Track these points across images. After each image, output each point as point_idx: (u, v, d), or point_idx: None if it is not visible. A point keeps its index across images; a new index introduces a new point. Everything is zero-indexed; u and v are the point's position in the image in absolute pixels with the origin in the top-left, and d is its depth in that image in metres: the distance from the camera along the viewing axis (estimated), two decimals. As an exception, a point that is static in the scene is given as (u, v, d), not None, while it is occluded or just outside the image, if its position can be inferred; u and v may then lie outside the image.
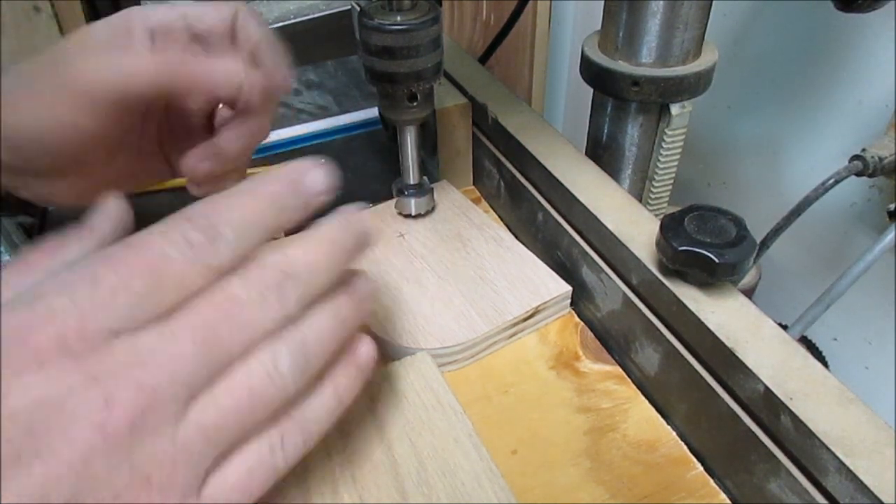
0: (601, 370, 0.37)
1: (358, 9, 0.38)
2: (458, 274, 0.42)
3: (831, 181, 0.51)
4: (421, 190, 0.46)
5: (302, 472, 0.29)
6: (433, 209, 0.48)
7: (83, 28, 0.31)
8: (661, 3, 0.41)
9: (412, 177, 0.45)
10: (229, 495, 0.21)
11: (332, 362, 0.25)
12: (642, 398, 0.36)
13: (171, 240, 0.21)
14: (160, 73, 0.30)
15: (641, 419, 0.35)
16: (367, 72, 0.39)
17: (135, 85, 0.30)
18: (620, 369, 0.37)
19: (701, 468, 0.32)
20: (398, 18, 0.37)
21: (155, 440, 0.20)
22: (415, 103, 0.41)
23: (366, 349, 0.27)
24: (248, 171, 0.46)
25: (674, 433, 0.34)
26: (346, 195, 0.53)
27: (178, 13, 0.32)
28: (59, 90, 0.29)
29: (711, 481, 0.32)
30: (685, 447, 0.33)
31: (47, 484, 0.18)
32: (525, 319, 0.39)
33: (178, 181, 0.38)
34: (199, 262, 0.22)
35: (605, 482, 0.32)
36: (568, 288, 0.40)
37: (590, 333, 0.40)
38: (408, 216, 0.47)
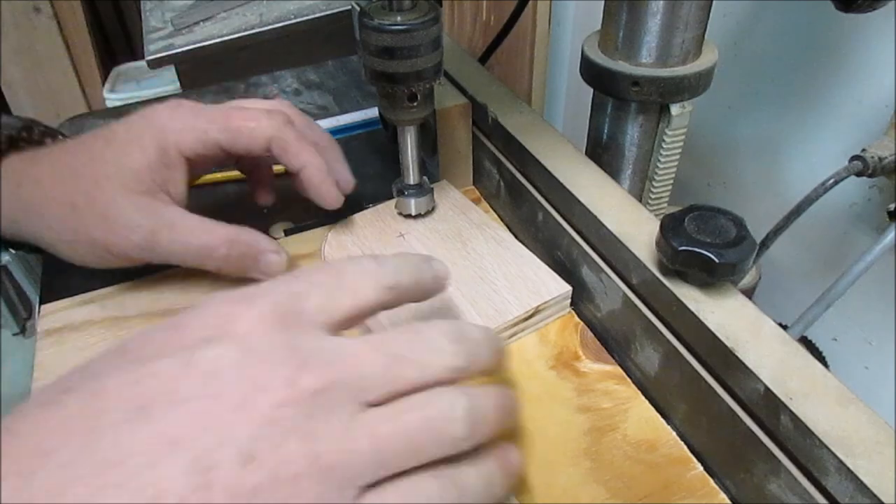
0: (601, 370, 0.37)
1: (358, 9, 0.38)
2: (458, 274, 0.42)
3: (831, 181, 0.51)
4: (421, 190, 0.46)
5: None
6: (433, 209, 0.48)
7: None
8: (661, 3, 0.41)
9: (412, 177, 0.45)
10: None
11: (490, 459, 0.26)
12: (642, 398, 0.36)
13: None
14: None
15: (641, 419, 0.35)
16: (367, 72, 0.39)
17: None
18: (620, 369, 0.37)
19: (701, 468, 0.32)
20: (398, 18, 0.37)
21: (330, 419, 0.22)
22: (415, 103, 0.41)
23: (515, 455, 0.27)
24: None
25: (674, 433, 0.34)
26: (345, 195, 0.53)
27: (210, 141, 0.38)
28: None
29: (711, 481, 0.32)
30: (685, 447, 0.33)
31: (238, 426, 0.21)
32: (525, 319, 0.39)
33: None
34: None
35: (605, 482, 0.32)
36: (568, 288, 0.40)
37: (590, 333, 0.40)
38: (408, 216, 0.47)
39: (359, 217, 0.48)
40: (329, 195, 0.41)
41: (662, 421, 0.35)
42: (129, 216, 0.37)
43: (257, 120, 0.39)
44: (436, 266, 0.30)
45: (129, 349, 0.23)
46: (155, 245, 0.38)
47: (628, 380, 0.37)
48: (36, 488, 0.19)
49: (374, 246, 0.46)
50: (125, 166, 0.37)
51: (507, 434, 0.30)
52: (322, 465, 0.21)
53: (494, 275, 0.42)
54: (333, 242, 0.47)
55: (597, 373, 0.37)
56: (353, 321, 0.26)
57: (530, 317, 0.39)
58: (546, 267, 0.42)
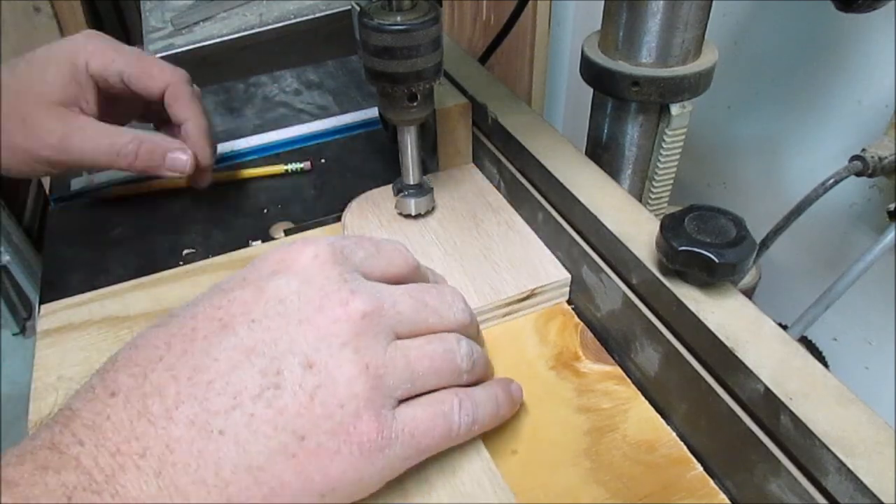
0: (601, 370, 0.37)
1: (358, 9, 0.38)
2: (464, 251, 0.43)
3: (831, 181, 0.51)
4: (421, 190, 0.46)
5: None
6: (434, 209, 0.48)
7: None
8: (661, 3, 0.41)
9: (412, 177, 0.45)
10: (415, 427, 0.27)
11: (494, 383, 0.33)
12: (642, 398, 0.36)
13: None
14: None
15: (641, 419, 0.35)
16: (367, 72, 0.39)
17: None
18: (620, 370, 0.37)
19: (700, 468, 0.32)
20: (398, 18, 0.37)
21: (374, 338, 0.27)
22: (415, 103, 0.41)
23: (517, 386, 0.34)
24: (260, 170, 0.53)
25: (673, 433, 0.34)
26: (345, 195, 0.54)
27: (116, 70, 0.44)
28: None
29: (711, 481, 0.32)
30: (685, 447, 0.33)
31: (300, 338, 0.26)
32: (520, 300, 0.40)
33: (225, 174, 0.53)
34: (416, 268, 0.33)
35: (604, 482, 0.32)
36: (567, 275, 0.41)
37: (590, 334, 0.40)
38: (407, 216, 0.47)
39: (378, 192, 0.49)
40: (204, 152, 0.47)
41: (662, 421, 0.35)
42: (43, 122, 0.42)
43: (160, 67, 0.45)
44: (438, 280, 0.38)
45: (217, 286, 0.29)
46: (69, 147, 0.42)
47: (628, 380, 0.37)
48: (149, 383, 0.25)
49: (392, 218, 0.47)
50: (42, 81, 0.42)
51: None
52: (370, 373, 0.26)
53: (498, 256, 0.43)
54: (355, 211, 0.48)
55: (597, 373, 0.37)
56: (384, 281, 0.31)
57: (525, 299, 0.40)
58: (550, 254, 0.43)
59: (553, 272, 0.41)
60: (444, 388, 0.30)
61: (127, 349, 0.27)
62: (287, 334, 0.26)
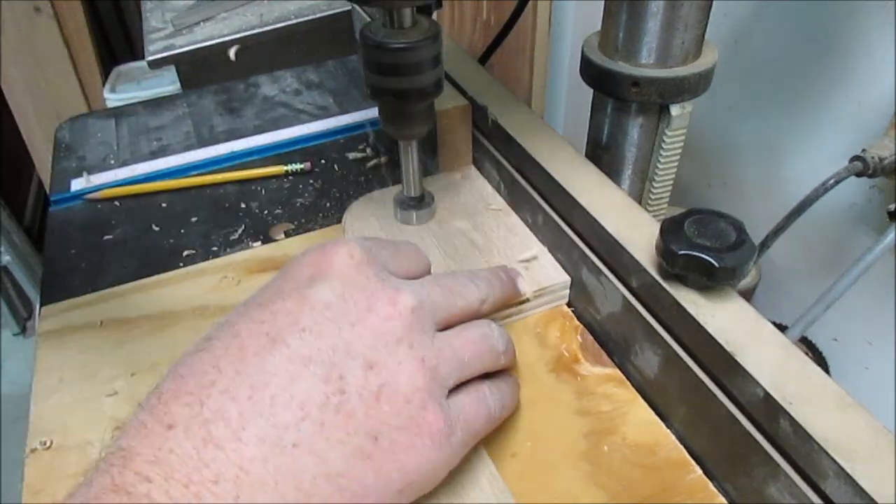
0: (601, 373, 0.37)
1: (358, 10, 0.38)
2: (463, 254, 0.43)
3: (831, 181, 0.51)
4: (422, 203, 0.46)
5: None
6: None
7: None
8: (661, 3, 0.41)
9: (414, 189, 0.45)
10: (467, 413, 0.29)
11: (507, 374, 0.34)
12: (641, 401, 0.36)
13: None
14: None
15: (641, 422, 0.35)
16: (369, 88, 0.39)
17: None
18: (620, 372, 0.37)
19: (700, 471, 0.32)
20: (399, 37, 0.37)
21: (423, 332, 0.28)
22: (416, 119, 0.41)
23: (516, 378, 0.35)
24: (260, 171, 0.52)
25: (673, 436, 0.34)
26: (346, 195, 0.54)
27: None
28: None
29: (710, 484, 0.32)
30: (684, 450, 0.33)
31: (357, 340, 0.27)
32: (520, 303, 0.40)
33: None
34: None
35: (604, 485, 0.32)
36: (566, 278, 0.41)
37: (590, 336, 0.40)
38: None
39: (378, 193, 0.50)
40: None
41: (662, 424, 0.35)
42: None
43: None
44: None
45: (251, 300, 0.29)
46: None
47: (628, 383, 0.37)
48: (207, 409, 0.24)
49: (392, 219, 0.47)
50: None
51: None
52: (426, 365, 0.27)
53: (499, 259, 0.43)
54: (355, 212, 0.48)
55: (596, 376, 0.37)
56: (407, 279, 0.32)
57: (524, 301, 0.40)
58: (550, 256, 0.43)
59: (553, 274, 0.41)
60: (486, 371, 0.31)
61: (171, 381, 0.26)
62: (341, 339, 0.26)
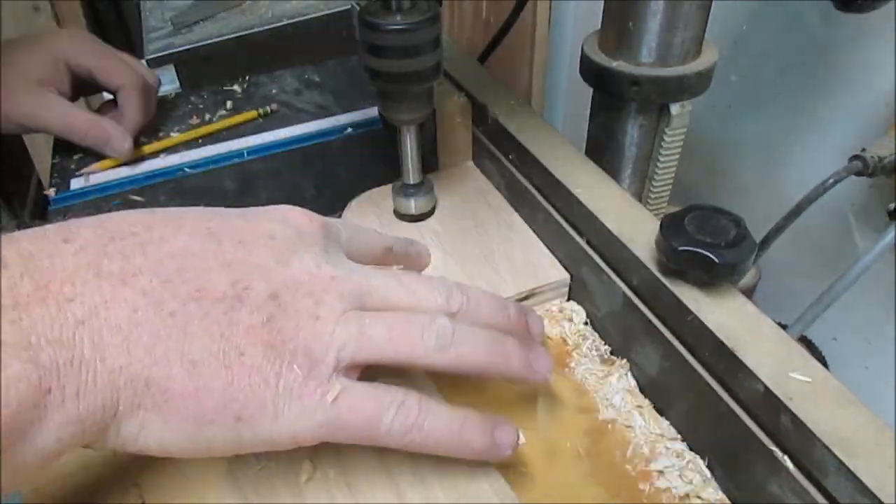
0: (602, 370, 0.37)
1: (358, 9, 0.38)
2: (464, 252, 0.43)
3: (831, 181, 0.51)
4: (421, 190, 0.46)
5: (296, 481, 0.29)
6: (434, 209, 0.48)
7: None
8: (661, 3, 0.41)
9: (412, 177, 0.45)
10: (345, 398, 0.26)
11: (473, 412, 0.29)
12: (642, 397, 0.36)
13: None
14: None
15: (642, 419, 0.35)
16: (367, 71, 0.39)
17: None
18: (620, 369, 0.37)
19: (702, 468, 0.32)
20: (398, 18, 0.36)
21: (336, 300, 0.28)
22: (414, 103, 0.41)
23: (508, 435, 0.29)
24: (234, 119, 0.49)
25: (674, 432, 0.34)
26: (346, 195, 0.54)
27: (86, 66, 0.56)
28: None
29: (711, 481, 0.32)
30: (685, 446, 0.33)
31: (276, 273, 0.27)
32: (519, 301, 0.40)
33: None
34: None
35: (604, 482, 0.32)
36: (566, 276, 0.41)
37: (591, 333, 0.40)
38: (408, 217, 0.47)
39: (378, 191, 0.50)
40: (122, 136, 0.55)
41: (663, 420, 0.34)
42: (17, 92, 0.52)
43: (119, 70, 0.55)
44: (418, 248, 0.38)
45: (210, 209, 0.30)
46: (36, 118, 0.53)
47: (628, 379, 0.37)
48: (114, 246, 0.25)
49: (392, 218, 0.47)
50: (28, 62, 0.53)
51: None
52: (319, 327, 0.27)
53: (498, 256, 0.43)
54: (355, 210, 0.48)
55: (597, 373, 0.37)
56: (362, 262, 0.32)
57: (524, 299, 0.40)
58: (549, 254, 0.43)
59: (552, 273, 0.41)
60: (406, 364, 0.28)
61: (97, 218, 0.26)
62: (265, 264, 0.27)
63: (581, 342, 0.39)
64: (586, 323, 0.40)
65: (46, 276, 0.23)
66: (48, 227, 0.25)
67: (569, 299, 0.42)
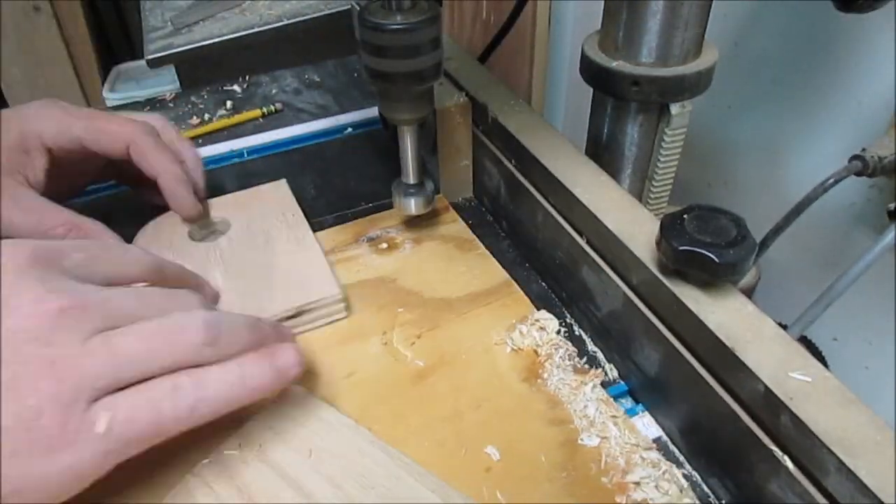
0: (575, 381, 0.37)
1: (358, 8, 0.38)
2: (244, 270, 0.42)
3: (831, 181, 0.51)
4: (421, 190, 0.46)
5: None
6: (433, 206, 0.48)
7: None
8: (661, 3, 0.41)
9: (412, 177, 0.45)
10: (113, 420, 0.26)
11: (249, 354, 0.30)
12: (616, 407, 0.35)
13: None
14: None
15: (618, 428, 0.34)
16: (367, 71, 0.39)
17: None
18: (594, 379, 0.37)
19: (679, 478, 0.32)
20: (398, 18, 0.36)
21: (70, 334, 0.26)
22: (415, 103, 0.41)
23: (287, 356, 0.31)
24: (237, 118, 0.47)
25: (650, 441, 0.34)
26: (346, 195, 0.54)
27: (72, 136, 0.41)
28: None
29: (689, 491, 0.32)
30: (661, 456, 0.33)
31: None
32: (290, 318, 0.39)
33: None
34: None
35: (581, 496, 0.31)
36: (336, 291, 0.40)
37: (567, 344, 0.39)
38: (408, 216, 0.47)
39: (170, 215, 0.46)
40: (184, 202, 0.44)
41: (638, 430, 0.34)
42: None
43: (119, 124, 0.42)
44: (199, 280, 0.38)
45: None
46: None
47: (601, 389, 0.36)
48: None
49: (185, 241, 0.45)
50: None
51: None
52: (57, 367, 0.25)
53: (278, 273, 0.42)
54: (150, 232, 0.46)
55: (570, 384, 0.37)
56: (108, 285, 0.30)
57: (293, 316, 0.39)
58: (330, 271, 0.42)
59: (324, 289, 0.40)
60: (172, 367, 0.28)
61: None
62: None
63: (553, 352, 0.38)
64: (558, 332, 0.40)
65: None
66: None
67: (549, 306, 0.42)
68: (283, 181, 0.51)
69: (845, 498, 0.24)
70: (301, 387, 0.34)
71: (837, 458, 0.24)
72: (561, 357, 0.38)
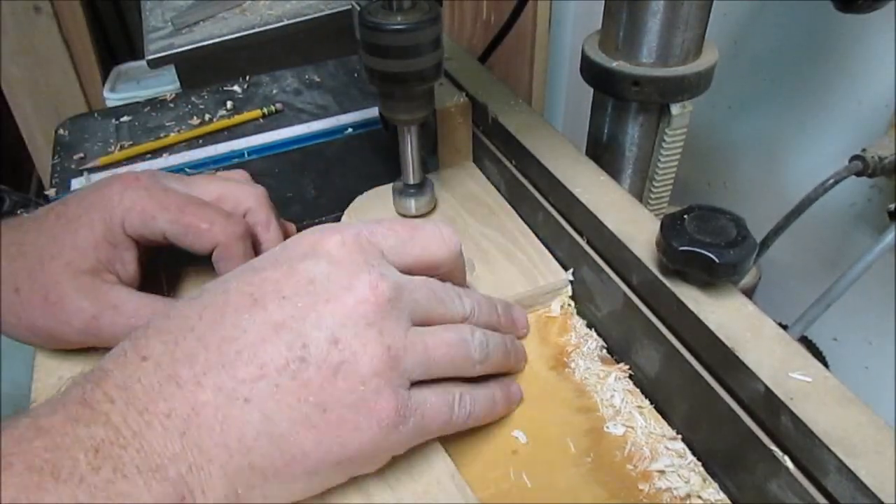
0: (602, 370, 0.37)
1: (358, 8, 0.38)
2: (464, 252, 0.43)
3: (831, 181, 0.51)
4: (421, 190, 0.46)
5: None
6: (434, 209, 0.48)
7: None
8: (662, 3, 0.41)
9: (412, 177, 0.45)
10: (426, 409, 0.29)
11: (493, 383, 0.34)
12: (642, 397, 0.36)
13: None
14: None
15: (642, 418, 0.35)
16: (367, 71, 0.39)
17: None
18: (620, 370, 0.37)
19: (702, 468, 0.32)
20: (398, 18, 0.36)
21: (396, 323, 0.29)
22: (415, 103, 0.41)
23: (517, 388, 0.36)
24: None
25: (674, 432, 0.34)
26: (346, 195, 0.54)
27: (156, 229, 0.37)
28: None
29: (712, 481, 0.32)
30: (685, 447, 0.33)
31: (328, 316, 0.28)
32: (520, 302, 0.40)
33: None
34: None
35: (605, 483, 0.32)
36: (566, 277, 0.41)
37: (591, 333, 0.40)
38: (407, 216, 0.47)
39: (383, 189, 0.49)
40: None
41: (663, 421, 0.34)
42: (70, 299, 0.35)
43: (210, 223, 0.37)
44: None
45: (248, 265, 0.30)
46: (98, 330, 0.36)
47: (628, 379, 0.37)
48: (180, 350, 0.27)
49: (395, 215, 0.47)
50: (71, 243, 0.36)
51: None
52: (391, 354, 0.28)
53: (498, 257, 0.43)
54: (358, 209, 0.48)
55: (597, 373, 0.37)
56: (417, 269, 0.32)
57: (524, 300, 0.40)
58: (549, 255, 0.43)
59: (553, 273, 0.41)
60: (456, 376, 0.31)
61: (159, 319, 0.28)
62: (315, 311, 0.28)
63: (581, 343, 0.39)
64: (587, 322, 0.40)
65: (143, 400, 0.25)
66: (125, 345, 0.28)
67: (571, 296, 0.42)
68: (472, 164, 0.52)
69: (845, 498, 0.24)
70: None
71: (837, 458, 0.24)
72: (588, 347, 0.39)
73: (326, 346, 0.27)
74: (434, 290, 0.32)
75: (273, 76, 0.72)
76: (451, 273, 0.35)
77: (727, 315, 0.30)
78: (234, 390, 0.26)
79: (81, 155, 0.60)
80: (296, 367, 0.27)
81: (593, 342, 0.39)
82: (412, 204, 0.46)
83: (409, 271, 0.32)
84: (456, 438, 0.33)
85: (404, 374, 0.28)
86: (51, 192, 0.56)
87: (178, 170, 0.57)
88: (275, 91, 0.69)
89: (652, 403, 0.35)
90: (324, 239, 0.30)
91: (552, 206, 0.42)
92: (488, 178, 0.50)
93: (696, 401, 0.32)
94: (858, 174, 0.52)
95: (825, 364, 0.63)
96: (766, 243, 0.53)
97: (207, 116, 0.65)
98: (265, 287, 0.28)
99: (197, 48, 0.88)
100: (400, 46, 0.37)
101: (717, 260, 0.29)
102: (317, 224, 0.50)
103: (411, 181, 0.45)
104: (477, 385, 0.33)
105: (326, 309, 0.28)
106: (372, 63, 0.38)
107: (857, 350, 0.64)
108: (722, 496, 0.31)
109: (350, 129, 0.62)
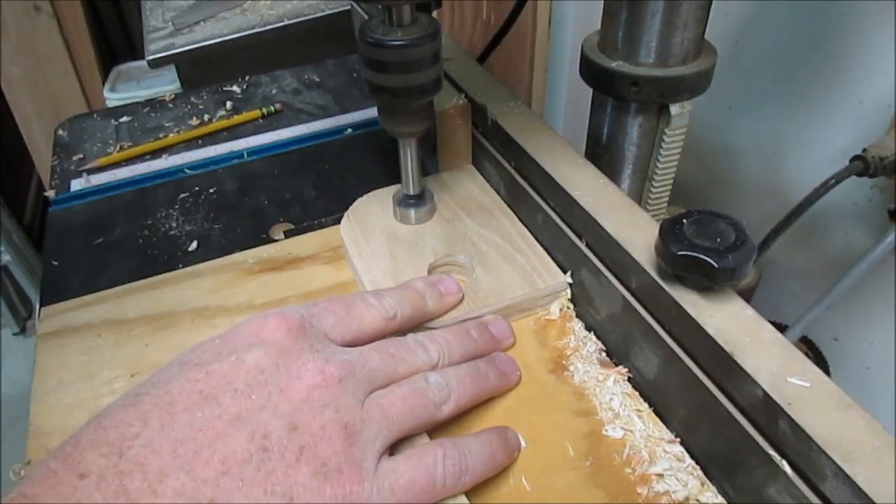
0: (600, 373, 0.37)
1: (358, 9, 0.38)
2: (462, 255, 0.43)
3: (832, 181, 0.51)
4: (421, 201, 0.46)
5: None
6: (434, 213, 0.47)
7: None
8: (661, 3, 0.41)
9: (412, 188, 0.45)
10: (395, 480, 0.28)
11: (488, 430, 0.33)
12: (641, 401, 0.36)
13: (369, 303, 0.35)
14: None
15: (641, 422, 0.34)
16: (368, 85, 0.39)
17: None
18: (619, 373, 0.37)
19: (700, 472, 0.32)
20: (399, 34, 0.37)
21: (352, 398, 0.29)
22: (415, 117, 0.41)
23: (515, 436, 0.34)
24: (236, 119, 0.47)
25: (673, 436, 0.34)
26: (345, 195, 0.54)
27: None
28: None
29: (710, 485, 0.32)
30: (684, 450, 0.33)
31: (283, 404, 0.27)
32: (518, 305, 0.40)
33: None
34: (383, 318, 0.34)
35: (603, 486, 0.32)
36: (565, 280, 0.41)
37: (590, 336, 0.40)
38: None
39: (383, 191, 0.49)
40: None
41: (661, 424, 0.34)
42: None
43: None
44: (444, 286, 0.38)
45: (185, 360, 0.29)
46: None
47: (627, 383, 0.37)
48: (126, 461, 0.25)
49: (391, 220, 0.46)
50: None
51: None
52: (348, 430, 0.28)
53: (497, 259, 0.43)
54: (358, 210, 0.48)
55: (596, 376, 0.37)
56: (360, 341, 0.33)
57: (523, 303, 0.40)
58: (549, 258, 0.43)
59: (552, 276, 0.41)
60: (423, 425, 0.31)
61: (91, 431, 0.26)
62: (270, 401, 0.27)
63: (580, 346, 0.39)
64: (586, 325, 0.40)
65: None
66: (52, 464, 0.24)
67: (570, 299, 0.42)
68: (473, 168, 0.52)
69: (843, 503, 0.24)
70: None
71: (835, 463, 0.24)
72: (587, 350, 0.39)
73: (287, 434, 0.27)
74: (389, 353, 0.32)
75: (272, 76, 0.72)
76: (410, 321, 0.36)
77: (726, 319, 0.30)
78: (196, 491, 0.25)
79: (81, 156, 0.60)
80: (259, 458, 0.26)
81: (592, 345, 0.39)
82: (412, 214, 0.46)
83: (355, 343, 0.32)
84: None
85: (366, 447, 0.28)
86: (50, 193, 0.56)
87: (178, 171, 0.57)
88: (274, 91, 0.69)
89: (651, 407, 0.35)
90: (268, 327, 0.30)
91: (551, 208, 0.42)
92: (487, 180, 0.50)
93: (695, 405, 0.32)
94: (859, 174, 0.52)
95: (826, 364, 0.64)
96: (766, 243, 0.53)
97: (207, 117, 0.65)
98: (213, 381, 0.28)
99: (197, 48, 0.88)
100: (400, 62, 0.37)
101: (715, 265, 0.29)
102: (316, 224, 0.50)
103: (411, 192, 0.45)
104: (467, 437, 0.32)
105: (281, 398, 0.28)
106: (372, 78, 0.38)
107: (858, 350, 0.64)
108: (720, 500, 0.31)
109: (350, 130, 0.62)
